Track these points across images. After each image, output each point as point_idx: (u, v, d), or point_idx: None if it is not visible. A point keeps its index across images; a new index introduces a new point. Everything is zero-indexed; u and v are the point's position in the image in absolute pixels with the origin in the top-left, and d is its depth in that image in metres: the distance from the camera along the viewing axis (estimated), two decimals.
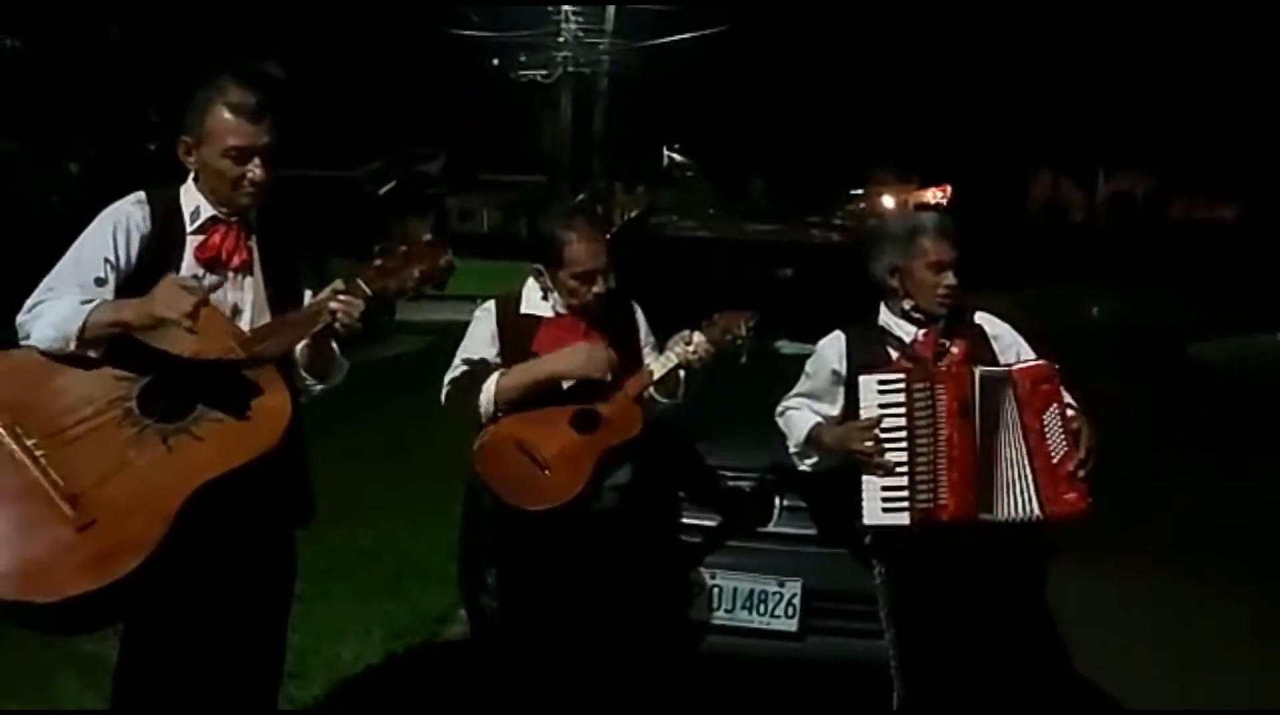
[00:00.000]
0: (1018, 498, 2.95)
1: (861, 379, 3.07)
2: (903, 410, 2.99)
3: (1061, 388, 2.98)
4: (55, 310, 2.49)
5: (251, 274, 2.71)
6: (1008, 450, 2.95)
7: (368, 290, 2.61)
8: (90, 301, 2.49)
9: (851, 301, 3.44)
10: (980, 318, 3.24)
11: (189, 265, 2.64)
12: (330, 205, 13.12)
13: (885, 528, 3.03)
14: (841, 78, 31.04)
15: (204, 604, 2.61)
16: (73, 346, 2.47)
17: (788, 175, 34.14)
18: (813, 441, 3.21)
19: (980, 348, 3.15)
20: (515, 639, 3.42)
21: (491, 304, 3.41)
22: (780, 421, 3.37)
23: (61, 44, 12.66)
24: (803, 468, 3.31)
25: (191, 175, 2.69)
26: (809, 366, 3.36)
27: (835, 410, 3.23)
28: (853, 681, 3.79)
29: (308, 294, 2.77)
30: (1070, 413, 2.98)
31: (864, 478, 3.03)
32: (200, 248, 2.65)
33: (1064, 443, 2.93)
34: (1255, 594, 5.59)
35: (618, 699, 3.40)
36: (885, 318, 3.28)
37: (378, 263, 2.64)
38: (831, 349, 3.28)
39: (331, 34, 21.36)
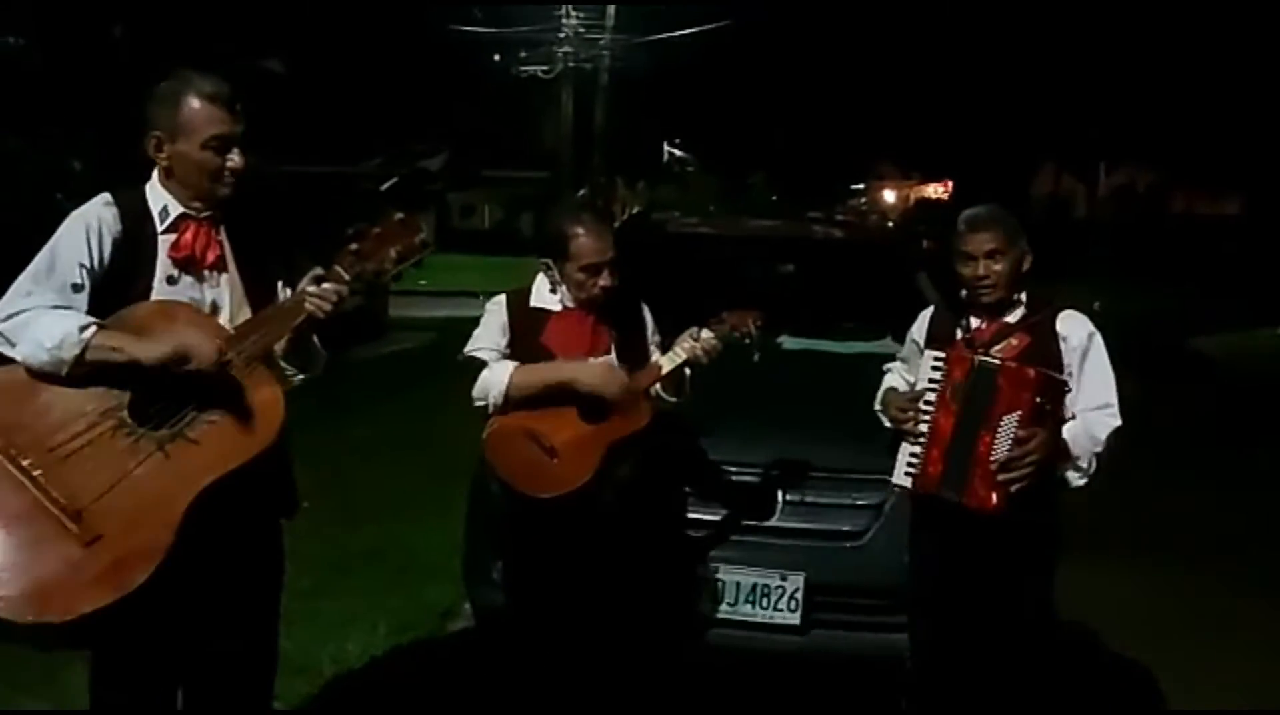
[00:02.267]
0: (956, 482, 3.08)
1: (925, 353, 3.27)
2: (939, 386, 3.15)
3: (1039, 400, 3.00)
4: (45, 328, 2.43)
5: (226, 270, 2.67)
6: (970, 438, 3.07)
7: (346, 276, 2.57)
8: (87, 326, 2.43)
9: (853, 296, 3.46)
10: (1064, 316, 3.25)
11: (163, 266, 2.59)
12: (331, 202, 13.15)
13: (900, 489, 3.27)
14: (843, 73, 31.02)
15: (196, 598, 2.58)
16: (64, 371, 2.42)
17: (789, 170, 34.17)
18: (883, 402, 3.38)
19: (1045, 346, 3.17)
20: (520, 632, 3.44)
21: (503, 298, 3.44)
22: None
23: (65, 42, 12.69)
24: (886, 424, 3.39)
25: (159, 173, 2.63)
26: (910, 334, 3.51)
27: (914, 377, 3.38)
28: (856, 675, 3.82)
29: (282, 288, 2.74)
30: (1031, 426, 2.99)
31: (901, 442, 3.23)
32: (173, 248, 2.60)
33: (1007, 449, 3.01)
34: (1257, 590, 5.59)
35: (622, 692, 3.42)
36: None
37: (353, 247, 2.60)
38: (921, 321, 3.45)
39: (333, 31, 21.37)
